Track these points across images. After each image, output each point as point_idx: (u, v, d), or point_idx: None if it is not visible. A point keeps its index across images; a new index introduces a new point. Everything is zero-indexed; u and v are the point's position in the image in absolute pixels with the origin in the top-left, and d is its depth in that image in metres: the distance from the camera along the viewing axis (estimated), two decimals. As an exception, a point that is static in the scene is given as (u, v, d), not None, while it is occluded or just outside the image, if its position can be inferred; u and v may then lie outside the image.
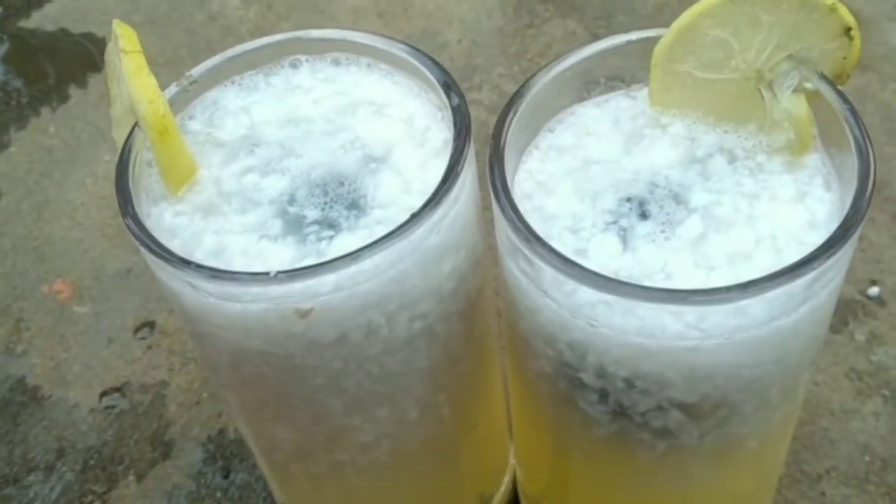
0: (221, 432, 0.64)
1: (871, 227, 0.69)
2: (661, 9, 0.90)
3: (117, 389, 0.67)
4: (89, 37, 0.97)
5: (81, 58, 0.95)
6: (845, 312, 0.65)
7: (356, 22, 0.93)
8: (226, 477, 0.62)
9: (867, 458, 0.58)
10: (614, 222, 0.38)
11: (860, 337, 0.63)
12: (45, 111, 0.89)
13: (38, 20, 1.00)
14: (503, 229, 0.37)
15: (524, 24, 0.90)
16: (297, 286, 0.35)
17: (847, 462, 0.58)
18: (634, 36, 0.41)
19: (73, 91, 0.91)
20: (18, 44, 0.98)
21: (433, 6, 0.94)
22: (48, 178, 0.83)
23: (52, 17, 1.00)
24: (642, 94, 0.42)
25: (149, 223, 0.38)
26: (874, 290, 0.65)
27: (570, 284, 0.35)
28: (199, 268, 0.35)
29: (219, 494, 0.61)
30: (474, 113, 0.81)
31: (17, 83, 0.93)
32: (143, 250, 0.36)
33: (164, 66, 0.89)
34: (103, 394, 0.67)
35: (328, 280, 0.35)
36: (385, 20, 0.93)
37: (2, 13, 1.01)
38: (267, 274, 0.34)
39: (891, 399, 0.60)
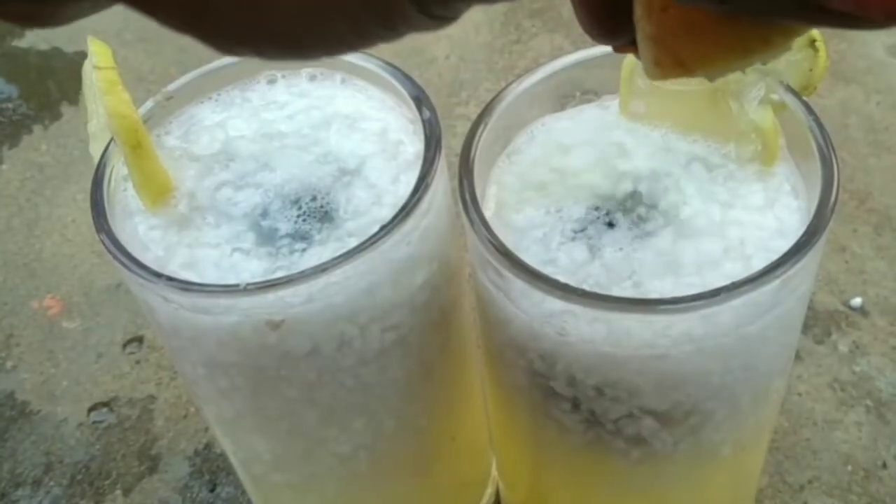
0: (208, 446, 0.64)
1: (853, 239, 0.69)
2: (648, 23, 0.90)
3: (105, 404, 0.67)
4: (82, 55, 0.97)
5: (74, 76, 0.95)
6: (828, 323, 0.65)
7: (346, 38, 0.93)
8: (212, 491, 0.62)
9: (850, 468, 0.58)
10: (583, 230, 0.38)
11: (843, 348, 0.64)
12: (37, 129, 0.90)
13: (31, 39, 1.01)
14: (473, 241, 0.37)
15: (511, 39, 0.91)
16: (268, 298, 0.35)
17: (829, 472, 0.58)
18: (605, 49, 0.42)
19: (65, 109, 0.92)
20: (11, 62, 0.98)
21: (422, 22, 0.94)
22: (39, 195, 0.83)
23: (45, 35, 1.00)
24: (614, 104, 0.42)
25: (123, 237, 0.38)
26: (857, 301, 0.66)
27: (537, 295, 0.35)
28: (171, 280, 0.35)
29: (205, 508, 0.61)
30: (461, 127, 0.81)
31: (10, 101, 0.94)
32: (116, 264, 0.37)
33: (155, 84, 0.90)
34: (91, 408, 0.67)
35: (299, 292, 0.36)
36: (374, 36, 0.93)
37: (-4, 32, 1.02)
38: (237, 286, 0.35)
39: (873, 409, 0.60)
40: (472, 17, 0.93)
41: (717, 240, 0.37)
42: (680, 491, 0.44)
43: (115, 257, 0.36)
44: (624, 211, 0.39)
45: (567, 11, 0.92)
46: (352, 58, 0.43)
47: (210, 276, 0.38)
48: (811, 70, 0.39)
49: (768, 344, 0.37)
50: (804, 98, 0.39)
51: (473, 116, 0.40)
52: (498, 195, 0.41)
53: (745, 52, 0.24)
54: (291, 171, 0.41)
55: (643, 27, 0.25)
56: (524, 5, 0.94)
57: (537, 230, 0.39)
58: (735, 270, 0.36)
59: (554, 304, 0.35)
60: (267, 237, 0.39)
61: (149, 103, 0.42)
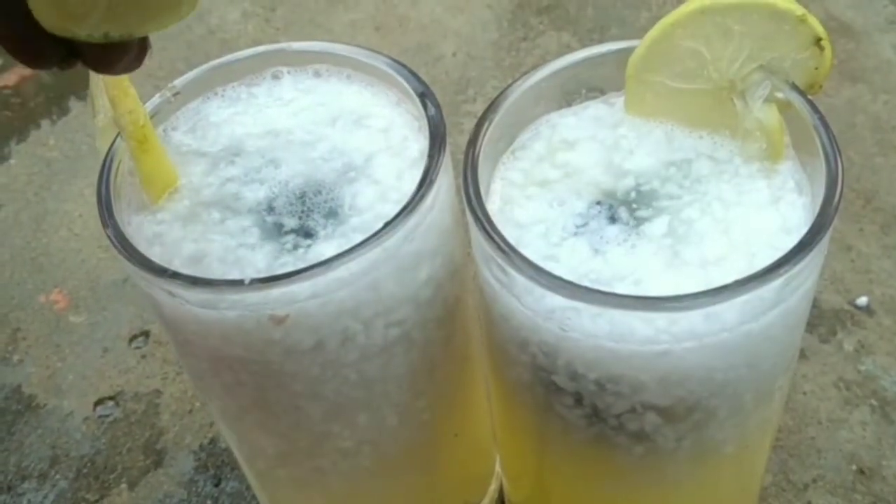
0: (213, 441, 0.64)
1: (860, 238, 0.69)
2: (655, 22, 0.90)
3: (111, 398, 0.68)
4: (90, 51, 0.98)
5: (82, 71, 0.95)
6: (834, 322, 0.65)
7: (353, 35, 0.94)
8: (217, 485, 0.62)
9: (854, 467, 0.58)
10: (585, 225, 0.38)
11: (848, 346, 0.64)
12: (45, 123, 0.90)
13: (40, 34, 1.01)
14: (476, 237, 0.37)
15: (519, 36, 0.91)
16: (273, 293, 0.36)
17: (834, 471, 0.58)
18: (610, 47, 0.42)
19: (73, 104, 0.92)
20: (20, 58, 0.99)
21: (429, 20, 0.94)
22: (47, 189, 0.84)
23: (53, 31, 1.01)
24: (620, 101, 0.42)
25: (129, 231, 0.38)
26: (863, 300, 0.66)
27: (540, 291, 0.35)
28: (176, 275, 0.36)
29: (209, 503, 0.61)
30: (468, 124, 0.82)
31: (18, 95, 0.94)
32: (121, 258, 0.37)
33: (164, 80, 0.89)
34: (97, 402, 0.67)
35: (303, 287, 0.36)
36: (381, 34, 0.94)
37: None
38: (242, 281, 0.35)
39: (878, 409, 0.60)
40: (480, 14, 0.94)
41: (721, 236, 0.37)
42: (683, 488, 0.44)
43: (121, 252, 0.37)
44: (627, 206, 0.39)
45: (574, 9, 0.92)
46: (358, 54, 0.43)
47: (215, 272, 0.38)
48: (816, 69, 0.39)
49: (772, 342, 0.37)
50: (810, 96, 0.39)
51: (480, 113, 0.40)
52: (502, 191, 0.41)
53: None
54: (297, 168, 0.41)
55: None
56: (532, 3, 0.94)
57: (539, 225, 0.39)
58: (739, 267, 0.36)
59: (556, 300, 0.35)
60: (272, 233, 0.39)
61: (155, 98, 0.42)
